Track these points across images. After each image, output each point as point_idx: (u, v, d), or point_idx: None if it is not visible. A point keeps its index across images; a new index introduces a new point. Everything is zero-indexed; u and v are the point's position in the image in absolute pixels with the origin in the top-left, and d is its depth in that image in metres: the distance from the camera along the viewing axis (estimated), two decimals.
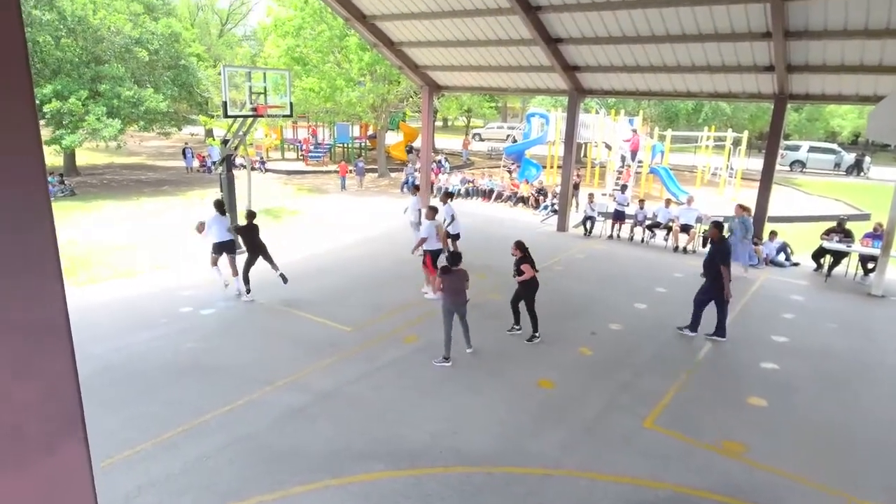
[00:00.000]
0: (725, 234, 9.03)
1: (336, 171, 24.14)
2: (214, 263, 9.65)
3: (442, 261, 8.25)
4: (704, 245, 14.08)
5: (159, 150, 34.90)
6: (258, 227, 9.52)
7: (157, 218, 15.98)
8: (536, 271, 7.88)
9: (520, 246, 7.87)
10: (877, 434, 6.01)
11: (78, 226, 14.27)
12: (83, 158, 27.05)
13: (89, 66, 21.71)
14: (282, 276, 9.46)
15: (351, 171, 21.78)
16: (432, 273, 9.49)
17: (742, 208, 11.76)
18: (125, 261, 11.64)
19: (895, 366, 7.70)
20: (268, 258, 9.47)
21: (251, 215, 9.60)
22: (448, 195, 11.99)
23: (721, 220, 9.04)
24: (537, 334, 8.06)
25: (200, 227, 9.53)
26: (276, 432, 5.74)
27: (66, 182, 20.14)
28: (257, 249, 9.39)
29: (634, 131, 23.23)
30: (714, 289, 8.04)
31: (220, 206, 9.78)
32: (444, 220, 11.13)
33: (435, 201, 14.44)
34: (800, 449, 5.72)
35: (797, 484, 5.16)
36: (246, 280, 9.42)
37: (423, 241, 9.65)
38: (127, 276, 10.75)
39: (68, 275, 10.45)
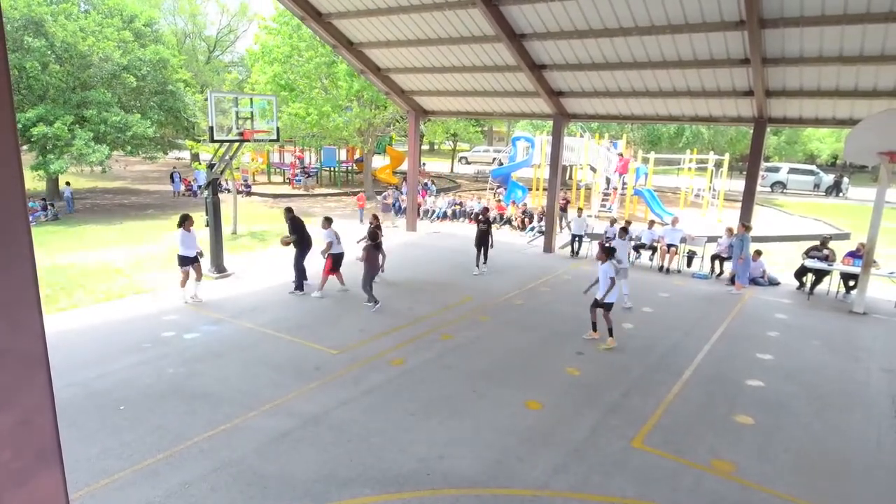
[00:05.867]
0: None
1: (315, 195, 24.07)
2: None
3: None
4: (689, 265, 14.25)
5: (144, 175, 34.74)
6: None
7: (141, 242, 15.84)
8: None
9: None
10: (865, 455, 6.01)
11: (61, 251, 14.10)
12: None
13: (76, 91, 21.67)
14: None
15: (372, 203, 21.24)
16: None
17: (744, 227, 12.02)
18: (108, 285, 11.49)
19: (880, 385, 7.78)
20: None
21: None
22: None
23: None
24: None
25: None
26: (261, 458, 5.64)
27: (49, 207, 19.92)
28: None
29: (621, 155, 23.59)
30: (300, 256, 11.19)
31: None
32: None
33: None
34: (789, 468, 5.72)
35: None
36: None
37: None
38: (110, 300, 10.60)
39: (51, 301, 10.28)
